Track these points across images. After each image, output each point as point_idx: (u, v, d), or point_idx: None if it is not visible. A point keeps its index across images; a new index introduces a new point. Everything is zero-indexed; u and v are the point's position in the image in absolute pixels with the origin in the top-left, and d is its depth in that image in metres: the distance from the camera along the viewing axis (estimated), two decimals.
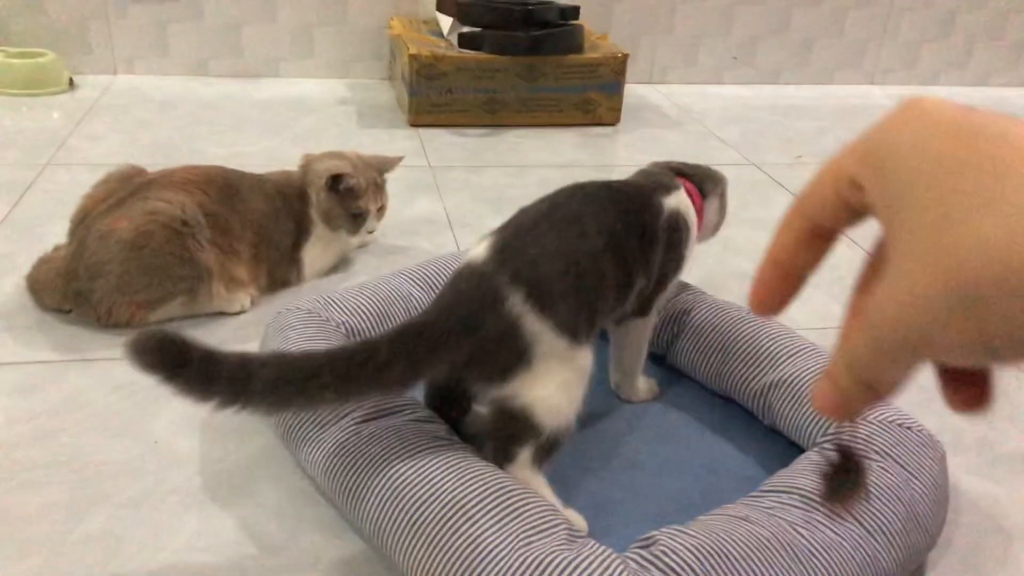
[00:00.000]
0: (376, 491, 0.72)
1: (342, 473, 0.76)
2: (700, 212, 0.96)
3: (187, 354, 0.65)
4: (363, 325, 0.95)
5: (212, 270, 1.07)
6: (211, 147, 1.68)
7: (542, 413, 0.76)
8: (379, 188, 1.23)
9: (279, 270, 1.18)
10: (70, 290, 1.05)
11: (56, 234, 1.11)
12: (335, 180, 1.17)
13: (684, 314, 1.02)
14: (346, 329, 0.94)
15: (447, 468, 0.72)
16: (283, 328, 0.92)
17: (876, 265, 0.33)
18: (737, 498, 0.77)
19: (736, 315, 1.00)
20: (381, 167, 1.24)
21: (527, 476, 0.76)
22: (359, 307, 0.97)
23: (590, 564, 0.64)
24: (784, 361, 0.92)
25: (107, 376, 0.98)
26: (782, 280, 0.35)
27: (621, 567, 0.64)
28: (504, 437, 0.77)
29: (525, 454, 0.76)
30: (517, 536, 0.66)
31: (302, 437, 0.81)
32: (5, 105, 1.85)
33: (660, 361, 1.05)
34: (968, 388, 0.33)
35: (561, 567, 0.64)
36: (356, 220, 1.20)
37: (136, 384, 0.97)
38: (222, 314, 1.12)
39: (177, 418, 0.92)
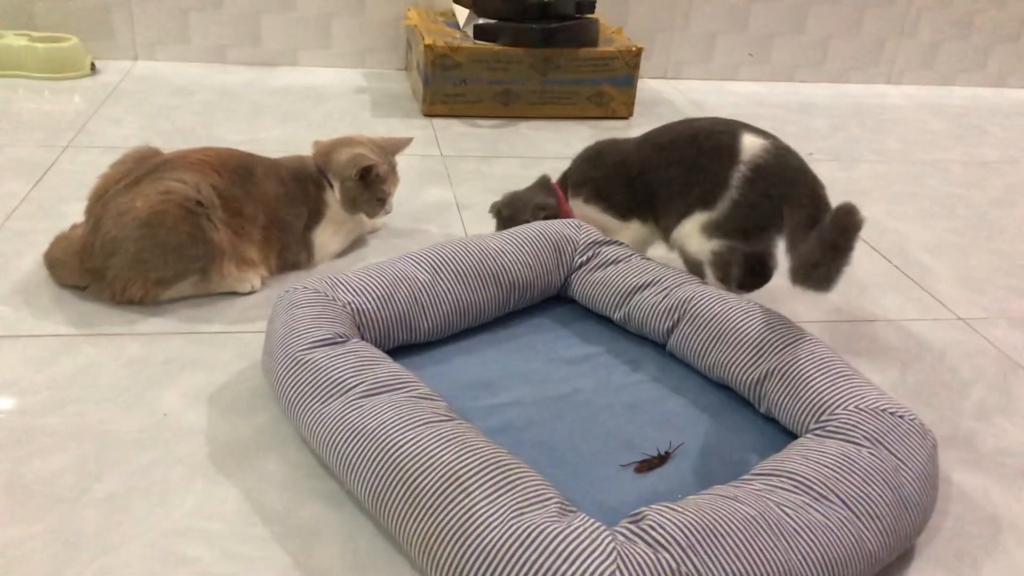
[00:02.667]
0: (374, 462, 0.75)
1: (342, 445, 0.78)
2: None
3: None
4: (368, 306, 0.98)
5: (224, 250, 1.10)
6: (228, 133, 1.71)
7: None
8: (394, 170, 1.26)
9: (290, 252, 1.21)
10: (86, 267, 1.08)
11: (74, 213, 1.14)
12: (366, 171, 1.20)
13: (685, 303, 1.03)
14: (352, 309, 0.96)
15: (444, 441, 0.74)
16: (290, 306, 0.95)
17: None
18: (729, 481, 0.78)
19: (736, 305, 1.01)
20: (393, 149, 1.27)
21: None
22: (364, 287, 0.99)
23: (579, 536, 0.66)
24: (780, 350, 0.94)
25: (120, 351, 1.01)
26: None
27: (609, 539, 0.66)
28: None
29: None
30: (510, 507, 0.68)
31: (305, 410, 0.83)
32: (28, 88, 1.88)
33: (660, 349, 1.06)
34: None
35: (550, 538, 0.65)
36: (378, 203, 1.24)
37: (148, 359, 1.00)
38: (233, 294, 1.14)
39: (186, 392, 0.95)
